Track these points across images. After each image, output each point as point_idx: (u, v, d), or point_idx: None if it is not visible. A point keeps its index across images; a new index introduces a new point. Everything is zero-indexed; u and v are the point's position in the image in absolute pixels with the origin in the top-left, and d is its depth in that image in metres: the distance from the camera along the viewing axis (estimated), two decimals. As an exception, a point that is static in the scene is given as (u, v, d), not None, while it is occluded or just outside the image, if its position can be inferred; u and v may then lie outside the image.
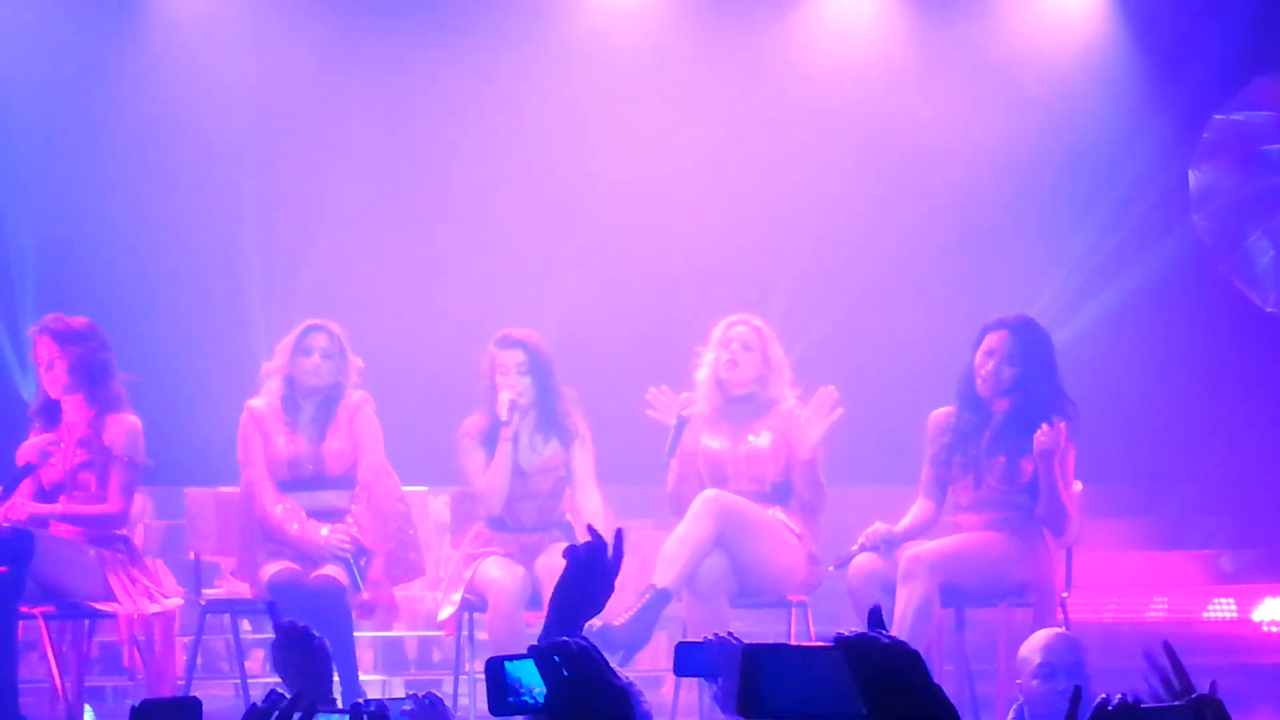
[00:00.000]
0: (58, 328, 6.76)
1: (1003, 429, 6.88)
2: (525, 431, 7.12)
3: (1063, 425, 6.72)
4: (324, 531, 6.95)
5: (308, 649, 3.74)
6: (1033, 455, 6.76)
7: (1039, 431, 6.69)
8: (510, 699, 2.49)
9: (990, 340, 6.91)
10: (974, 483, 6.91)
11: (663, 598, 6.64)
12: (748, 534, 6.88)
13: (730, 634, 3.76)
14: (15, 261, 9.23)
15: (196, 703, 2.83)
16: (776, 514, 7.03)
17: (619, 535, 3.50)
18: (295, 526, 6.93)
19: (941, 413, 7.04)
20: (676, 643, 3.83)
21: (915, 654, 2.22)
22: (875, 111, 9.59)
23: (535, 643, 2.52)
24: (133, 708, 2.83)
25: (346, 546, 6.94)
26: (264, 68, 9.42)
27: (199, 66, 9.42)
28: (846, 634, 2.24)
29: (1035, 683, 5.14)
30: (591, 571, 3.38)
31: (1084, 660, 5.17)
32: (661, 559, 6.82)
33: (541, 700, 2.42)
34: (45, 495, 6.75)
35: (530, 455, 7.13)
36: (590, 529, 3.58)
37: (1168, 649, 3.33)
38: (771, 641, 2.28)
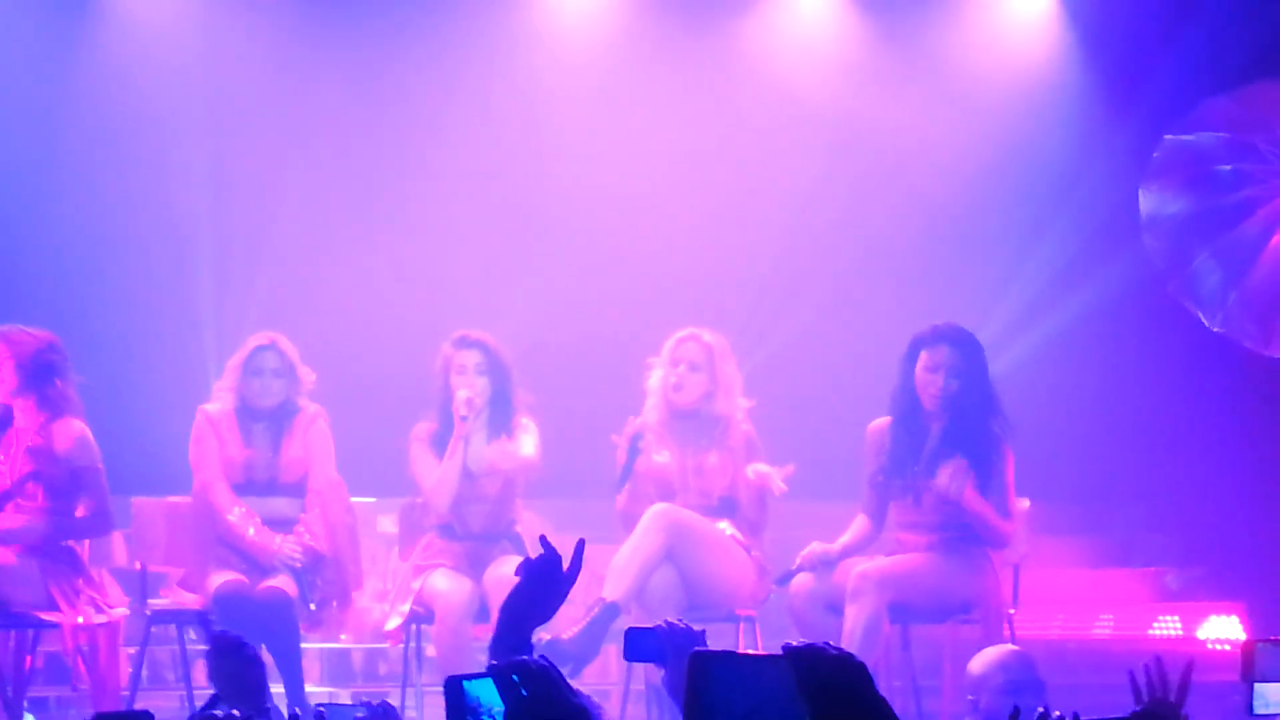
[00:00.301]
0: (11, 335, 6.73)
1: (940, 446, 6.89)
2: (477, 432, 7.12)
3: (962, 466, 6.75)
4: (277, 540, 6.93)
5: (240, 658, 3.74)
6: (982, 471, 6.79)
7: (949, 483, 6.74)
8: (469, 718, 2.49)
9: (932, 355, 6.92)
10: (914, 501, 6.93)
11: (611, 611, 6.64)
12: (697, 548, 6.89)
13: (680, 619, 3.77)
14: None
15: (149, 716, 2.82)
16: (725, 527, 7.04)
17: (579, 546, 3.50)
18: (251, 531, 6.92)
19: (879, 425, 7.04)
20: (626, 628, 3.83)
21: (862, 665, 2.24)
22: (835, 117, 9.59)
23: (484, 655, 2.52)
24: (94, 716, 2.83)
25: (298, 556, 6.93)
26: (218, 68, 9.36)
27: (152, 66, 9.35)
28: (795, 644, 2.26)
29: (998, 699, 5.14)
30: (544, 582, 3.38)
31: (1038, 676, 5.20)
32: (611, 572, 6.82)
33: (500, 718, 2.43)
34: None
35: (481, 456, 7.12)
36: (543, 540, 3.58)
37: (1157, 662, 3.37)
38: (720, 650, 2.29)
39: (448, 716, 2.52)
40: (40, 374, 6.71)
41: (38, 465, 6.68)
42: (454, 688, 2.53)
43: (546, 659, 2.50)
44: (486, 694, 2.51)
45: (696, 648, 3.57)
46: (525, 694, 2.40)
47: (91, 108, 9.24)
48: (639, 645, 3.75)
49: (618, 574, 6.79)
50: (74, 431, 6.71)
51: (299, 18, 9.42)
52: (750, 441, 7.13)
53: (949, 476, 6.75)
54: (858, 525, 7.05)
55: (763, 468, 7.03)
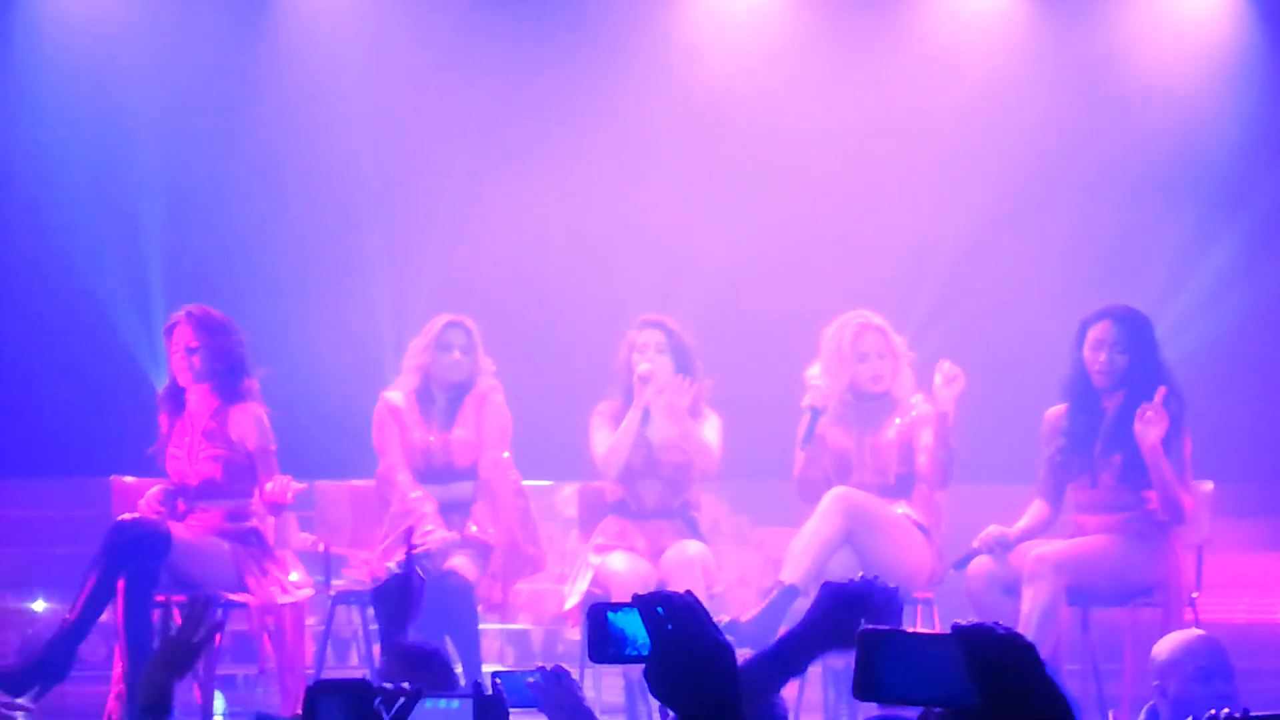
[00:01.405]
0: (199, 314, 6.85)
1: (1116, 426, 6.81)
2: (658, 409, 7.16)
3: (1159, 402, 6.64)
4: (438, 534, 6.99)
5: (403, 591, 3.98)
6: (1182, 478, 6.70)
7: (1136, 423, 6.63)
8: (611, 649, 2.49)
9: (1096, 331, 6.85)
10: (1090, 482, 6.86)
11: (790, 594, 6.63)
12: (876, 531, 6.88)
13: (877, 577, 3.74)
14: (146, 254, 9.37)
15: (368, 684, 2.91)
16: (903, 509, 7.02)
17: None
18: (424, 516, 7.00)
19: (1055, 411, 6.99)
20: (824, 581, 3.79)
21: (1030, 645, 2.22)
22: (1001, 110, 9.53)
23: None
24: (308, 688, 2.92)
25: (431, 549, 6.97)
26: (389, 62, 9.52)
27: (326, 61, 9.52)
28: (963, 623, 2.25)
29: (1189, 685, 5.06)
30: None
31: (1230, 663, 5.11)
32: (790, 555, 6.83)
33: (644, 651, 2.42)
34: (173, 489, 6.86)
35: (660, 431, 7.17)
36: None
37: None
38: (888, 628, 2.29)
39: (589, 644, 2.52)
40: (225, 364, 6.82)
41: (216, 449, 6.80)
42: (598, 616, 2.52)
43: (691, 594, 2.50)
44: (631, 625, 2.50)
45: (899, 605, 3.53)
46: (670, 627, 2.40)
47: (267, 100, 9.43)
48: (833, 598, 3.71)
49: (796, 557, 6.80)
50: (249, 414, 6.81)
51: (471, 10, 9.53)
52: (942, 418, 7.04)
53: (1146, 424, 6.64)
54: (1035, 509, 6.99)
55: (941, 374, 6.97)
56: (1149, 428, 6.62)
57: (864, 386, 7.11)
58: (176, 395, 6.90)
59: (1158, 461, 6.65)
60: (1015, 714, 2.19)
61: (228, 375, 6.82)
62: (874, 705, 3.63)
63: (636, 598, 2.45)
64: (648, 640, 2.41)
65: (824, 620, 3.22)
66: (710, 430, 7.20)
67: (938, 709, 2.44)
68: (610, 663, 2.49)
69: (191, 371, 6.81)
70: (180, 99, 9.36)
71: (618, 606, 2.50)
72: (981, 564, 6.81)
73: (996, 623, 2.24)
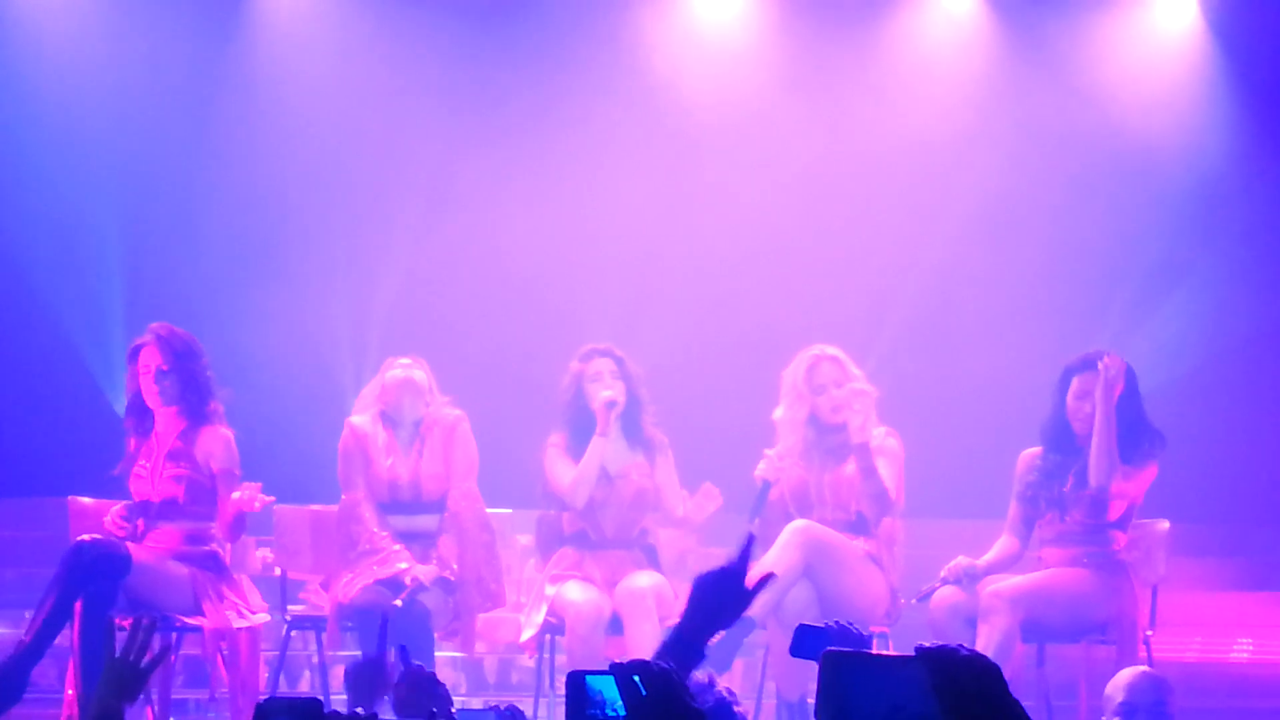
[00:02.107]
0: (166, 335, 6.81)
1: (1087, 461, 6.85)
2: (612, 437, 7.17)
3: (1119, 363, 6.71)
4: (403, 565, 6.97)
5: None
6: (1124, 474, 6.75)
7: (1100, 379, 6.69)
8: (590, 711, 2.52)
9: (1082, 381, 6.88)
10: (1059, 516, 6.89)
11: (746, 625, 6.63)
12: (834, 565, 6.89)
13: (851, 623, 3.77)
14: (105, 273, 9.34)
15: (318, 703, 2.90)
16: (861, 545, 7.03)
17: (749, 540, 3.46)
18: (379, 561, 6.97)
19: (1031, 453, 7.04)
20: (797, 625, 3.81)
21: (995, 667, 2.23)
22: (972, 133, 9.56)
23: (626, 661, 2.54)
24: (258, 704, 2.91)
25: (424, 583, 6.96)
26: (353, 85, 9.51)
27: (288, 84, 9.51)
28: (927, 646, 2.26)
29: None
30: (724, 590, 3.35)
31: (1166, 700, 5.15)
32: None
33: (621, 714, 2.45)
34: (135, 507, 6.83)
35: (617, 458, 7.18)
36: (747, 547, 3.46)
37: None
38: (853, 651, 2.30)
39: (568, 709, 2.55)
40: (192, 386, 6.79)
41: (179, 470, 6.77)
42: (577, 683, 2.56)
43: (669, 663, 2.53)
44: (609, 691, 2.54)
45: (831, 648, 3.54)
46: (645, 694, 2.42)
47: (230, 126, 9.42)
48: (808, 643, 3.74)
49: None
50: (217, 437, 6.78)
51: (438, 29, 9.53)
52: (888, 451, 7.09)
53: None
54: (1003, 544, 7.01)
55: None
56: (1110, 379, 6.68)
57: (825, 418, 7.12)
58: (143, 415, 6.86)
59: (1109, 417, 6.69)
60: None
61: (195, 397, 6.79)
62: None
63: (613, 665, 2.48)
64: (624, 706, 2.45)
65: (701, 605, 3.26)
66: (668, 478, 7.22)
67: None
68: None
69: (161, 394, 6.78)
70: (141, 117, 9.32)
71: (596, 672, 2.54)
72: (946, 595, 6.83)
73: (960, 645, 2.25)
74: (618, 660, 2.53)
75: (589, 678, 2.57)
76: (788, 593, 6.77)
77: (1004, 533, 7.04)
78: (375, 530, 7.03)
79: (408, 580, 6.90)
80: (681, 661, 3.21)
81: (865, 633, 3.77)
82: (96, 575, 6.43)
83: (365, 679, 3.94)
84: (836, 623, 3.77)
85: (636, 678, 2.45)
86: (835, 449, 7.14)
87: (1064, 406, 6.93)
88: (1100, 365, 6.75)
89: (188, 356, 6.78)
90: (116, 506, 6.84)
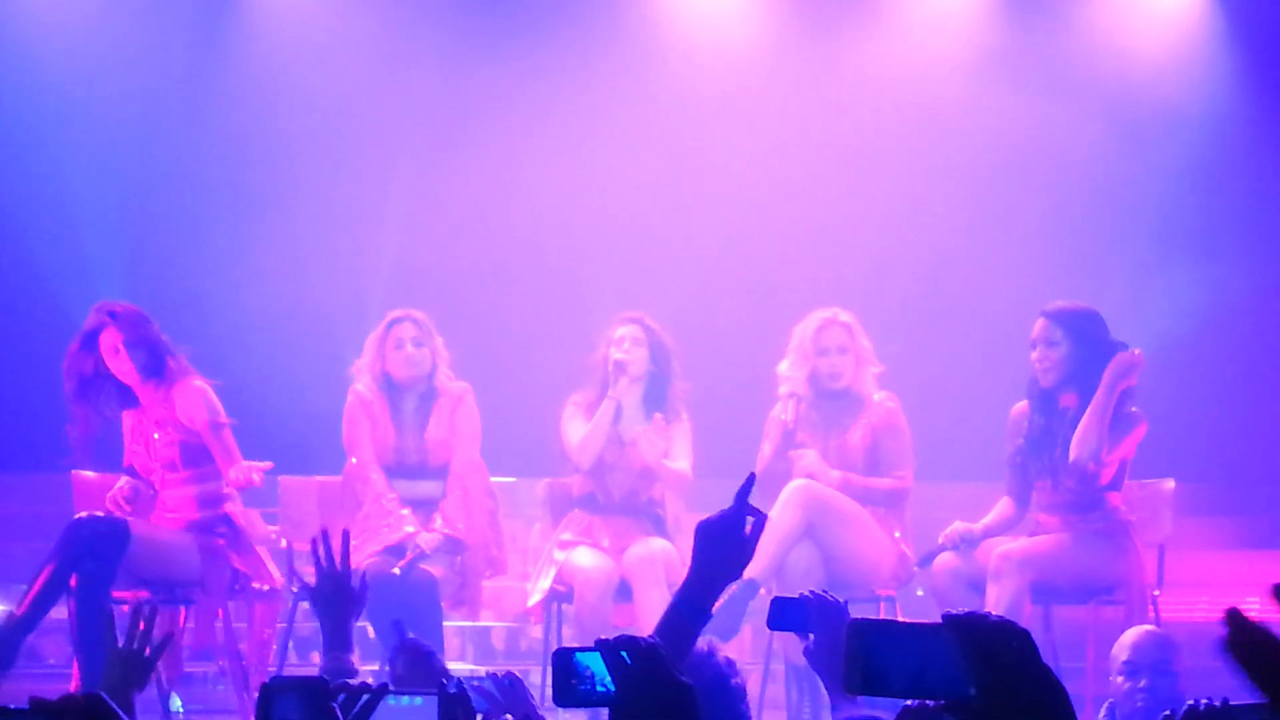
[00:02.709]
0: (119, 312, 6.75)
1: (1074, 427, 6.83)
2: (632, 403, 7.15)
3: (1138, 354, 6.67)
4: (409, 529, 6.98)
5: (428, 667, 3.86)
6: (1109, 451, 6.72)
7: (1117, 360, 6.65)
8: (577, 689, 2.52)
9: (1032, 331, 6.87)
10: (1053, 484, 6.87)
11: (750, 588, 6.60)
12: (838, 525, 6.87)
13: (827, 591, 3.77)
14: (106, 249, 9.33)
15: (324, 682, 2.87)
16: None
17: (760, 522, 3.45)
18: (394, 519, 6.97)
19: (1020, 408, 7.00)
20: (772, 597, 3.81)
21: (1024, 632, 2.21)
22: (967, 112, 9.56)
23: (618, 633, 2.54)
24: (262, 684, 2.88)
25: (430, 548, 6.96)
26: (351, 49, 9.51)
27: (285, 48, 9.52)
28: (955, 612, 2.24)
29: (1120, 679, 5.13)
30: (727, 540, 3.36)
31: (1171, 659, 5.15)
32: (758, 553, 6.78)
33: (610, 689, 2.44)
34: (137, 485, 6.81)
35: (632, 426, 7.16)
36: (749, 480, 3.47)
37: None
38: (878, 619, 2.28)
39: (554, 685, 2.54)
40: (149, 347, 6.75)
41: (171, 436, 6.75)
42: (563, 658, 2.56)
43: (656, 638, 2.52)
44: (596, 666, 2.53)
45: (849, 619, 3.55)
46: (631, 665, 2.42)
47: (226, 96, 9.42)
48: (784, 615, 3.74)
49: (756, 550, 6.76)
50: (193, 391, 6.71)
51: (440, 10, 9.52)
52: (893, 419, 7.09)
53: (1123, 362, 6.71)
54: (1001, 506, 7.01)
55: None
56: (1125, 369, 6.64)
57: (823, 382, 7.11)
58: (127, 396, 6.84)
59: (1106, 404, 6.66)
60: (1012, 703, 2.18)
61: (156, 361, 6.74)
62: (841, 702, 3.65)
63: (599, 642, 2.49)
64: (612, 681, 2.44)
65: (705, 558, 3.29)
66: (681, 442, 7.18)
67: (915, 705, 2.44)
68: (575, 704, 2.52)
69: (140, 370, 6.75)
70: (141, 94, 9.32)
71: (582, 648, 2.54)
72: (946, 560, 6.82)
73: (988, 612, 2.23)
74: (625, 627, 2.52)
75: (577, 654, 2.56)
76: (789, 553, 6.76)
77: (1002, 495, 7.03)
78: (383, 493, 7.03)
79: (410, 547, 6.91)
80: (690, 621, 3.19)
81: (842, 600, 3.76)
82: (94, 551, 6.40)
83: (329, 600, 3.97)
84: (813, 592, 3.76)
85: (624, 653, 2.45)
86: (839, 414, 7.13)
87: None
88: (1127, 354, 6.68)
89: (142, 324, 6.75)
90: (120, 483, 6.82)
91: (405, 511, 7.01)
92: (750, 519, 3.34)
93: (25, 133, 9.28)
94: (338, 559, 4.03)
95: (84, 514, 6.58)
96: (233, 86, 9.44)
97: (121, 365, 6.75)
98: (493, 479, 7.31)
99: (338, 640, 3.96)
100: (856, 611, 6.95)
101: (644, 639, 2.47)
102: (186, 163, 9.36)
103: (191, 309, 7.01)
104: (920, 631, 2.24)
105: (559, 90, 9.55)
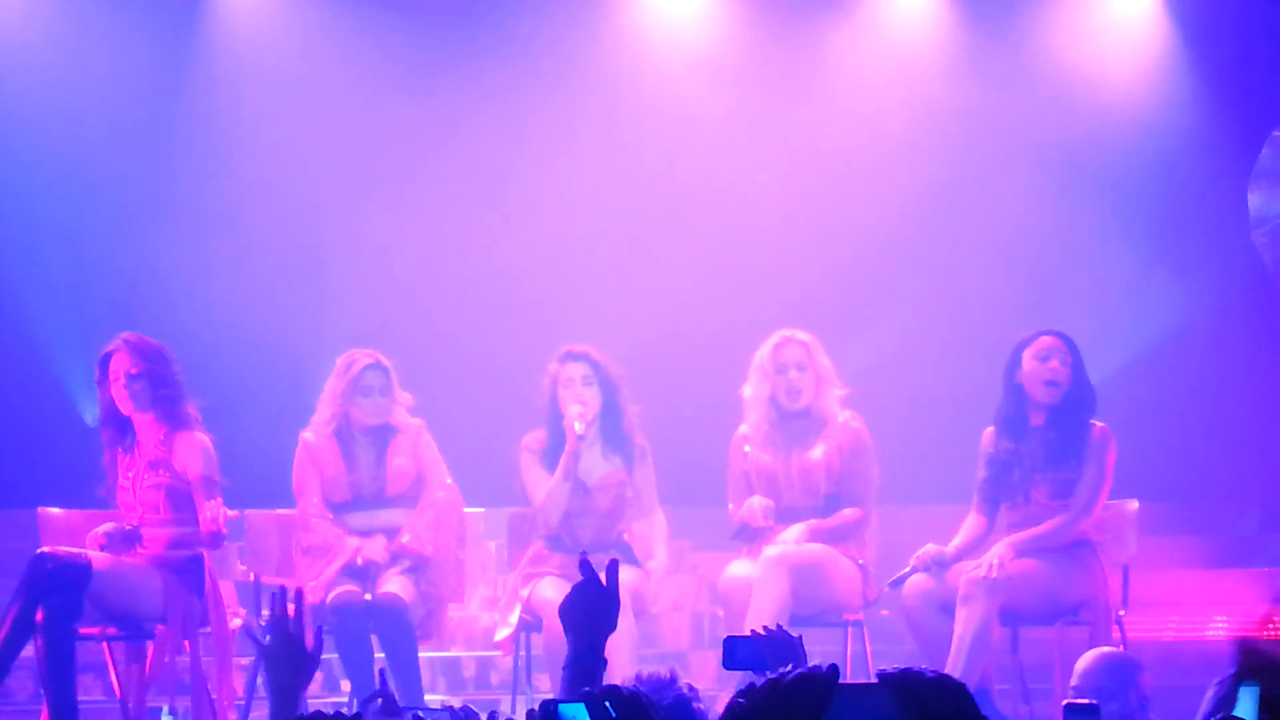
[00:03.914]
0: (135, 341, 6.80)
1: (1044, 446, 6.88)
2: (589, 446, 7.13)
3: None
4: (354, 542, 6.98)
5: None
6: (1078, 466, 6.77)
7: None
8: None
9: (1042, 345, 6.90)
10: (1024, 500, 6.90)
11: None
12: (812, 578, 6.89)
13: (780, 626, 3.77)
14: (77, 282, 9.31)
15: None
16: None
17: (612, 566, 3.55)
18: (331, 555, 6.98)
19: (990, 432, 7.05)
20: (725, 637, 3.82)
21: (961, 686, 2.21)
22: (935, 118, 9.57)
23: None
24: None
25: (377, 560, 6.96)
26: (317, 79, 9.49)
27: (267, 88, 9.50)
28: (889, 670, 2.24)
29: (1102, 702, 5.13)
30: (597, 600, 3.44)
31: (1125, 682, 5.15)
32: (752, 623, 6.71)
33: None
34: (116, 532, 6.80)
35: (592, 470, 7.15)
36: (583, 563, 3.60)
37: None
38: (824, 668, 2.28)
39: None
40: (165, 391, 6.77)
41: (160, 478, 6.76)
42: (548, 712, 2.58)
43: (637, 688, 2.54)
44: (581, 717, 2.55)
45: (804, 654, 3.56)
46: (615, 716, 2.44)
47: (196, 130, 9.40)
48: (738, 653, 3.74)
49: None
50: (195, 443, 6.75)
51: (404, 32, 9.52)
52: (858, 439, 7.10)
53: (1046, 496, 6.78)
54: (970, 524, 7.03)
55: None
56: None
57: (782, 400, 7.12)
58: (120, 425, 6.83)
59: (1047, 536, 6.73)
60: None
61: (170, 402, 6.77)
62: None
63: (585, 694, 2.55)
64: None
65: (579, 627, 3.49)
66: (646, 492, 7.18)
67: None
68: None
69: (133, 400, 6.75)
70: (117, 123, 9.29)
71: (566, 701, 2.56)
72: (918, 583, 6.84)
73: (923, 667, 2.23)
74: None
75: (561, 706, 2.59)
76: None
77: (971, 511, 7.05)
78: (328, 529, 7.01)
79: (359, 561, 6.90)
80: (589, 674, 3.33)
81: (795, 635, 3.78)
82: (57, 587, 6.41)
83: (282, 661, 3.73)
84: (766, 629, 3.77)
85: (608, 703, 2.47)
86: (800, 434, 7.14)
87: (1016, 383, 6.93)
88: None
89: (158, 360, 6.77)
90: (103, 527, 6.80)
91: (351, 539, 7.00)
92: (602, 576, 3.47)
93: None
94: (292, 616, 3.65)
95: (45, 549, 6.57)
96: (199, 129, 9.42)
97: (119, 393, 6.76)
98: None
99: (282, 708, 3.60)
100: (829, 636, 7.01)
101: (626, 689, 2.50)
102: (155, 201, 9.33)
103: (156, 333, 6.99)
104: (859, 693, 2.23)
105: (525, 120, 9.55)
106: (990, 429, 7.03)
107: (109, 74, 9.30)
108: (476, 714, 3.53)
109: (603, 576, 3.49)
